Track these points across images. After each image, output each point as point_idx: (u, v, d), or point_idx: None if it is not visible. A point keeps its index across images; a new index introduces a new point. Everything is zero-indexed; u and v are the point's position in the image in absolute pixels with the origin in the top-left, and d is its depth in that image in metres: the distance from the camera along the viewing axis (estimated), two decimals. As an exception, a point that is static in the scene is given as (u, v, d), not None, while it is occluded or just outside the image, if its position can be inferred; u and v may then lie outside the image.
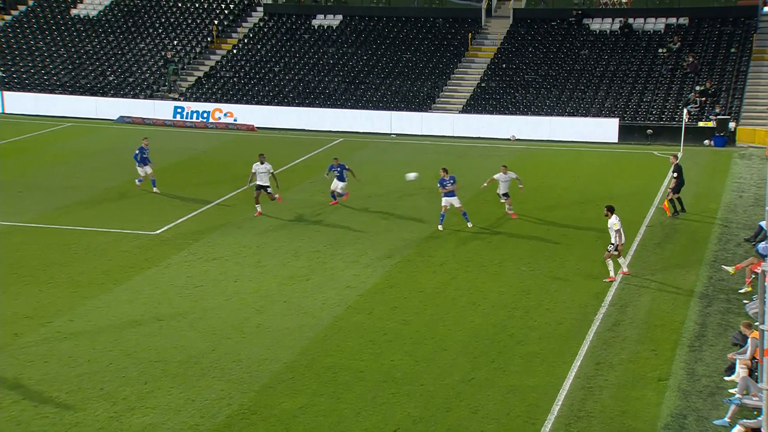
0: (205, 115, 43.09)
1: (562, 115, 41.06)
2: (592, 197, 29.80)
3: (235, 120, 42.43)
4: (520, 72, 44.22)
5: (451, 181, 25.91)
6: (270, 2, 50.98)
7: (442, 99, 43.74)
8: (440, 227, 26.06)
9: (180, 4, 50.91)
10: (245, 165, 34.56)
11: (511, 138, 39.91)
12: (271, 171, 27.28)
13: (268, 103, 43.64)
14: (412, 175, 27.82)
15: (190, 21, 49.90)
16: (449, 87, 44.54)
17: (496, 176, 27.19)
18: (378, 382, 16.76)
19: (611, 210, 22.04)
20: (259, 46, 48.04)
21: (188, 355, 17.70)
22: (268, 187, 26.98)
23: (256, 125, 42.52)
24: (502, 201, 27.15)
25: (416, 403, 16.00)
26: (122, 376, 16.69)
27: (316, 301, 20.77)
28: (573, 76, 43.54)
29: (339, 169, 28.53)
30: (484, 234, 26.03)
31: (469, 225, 26.33)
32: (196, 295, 21.05)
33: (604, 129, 39.87)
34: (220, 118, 42.33)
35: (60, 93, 44.01)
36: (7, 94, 43.36)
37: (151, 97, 44.40)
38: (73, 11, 50.49)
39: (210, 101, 43.91)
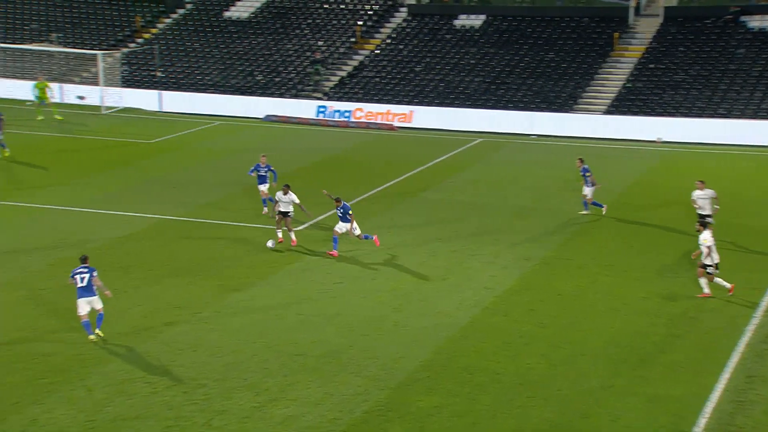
0: (347, 114, 43.89)
1: (714, 117, 39.41)
2: (747, 202, 28.48)
3: (386, 120, 42.99)
4: (669, 72, 42.75)
5: (585, 172, 27.15)
6: (414, 2, 51.39)
7: (584, 99, 42.85)
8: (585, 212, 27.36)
9: (326, 6, 52.05)
10: (385, 164, 35.12)
11: (657, 140, 38.64)
12: (296, 202, 24.29)
13: (408, 103, 44.00)
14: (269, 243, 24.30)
15: (335, 22, 50.93)
16: (593, 87, 43.58)
17: (693, 194, 23.99)
18: (514, 384, 16.65)
19: (704, 226, 20.88)
20: (401, 47, 48.50)
21: (327, 350, 18.11)
22: (290, 213, 24.30)
23: (396, 124, 42.98)
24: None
25: (553, 407, 15.79)
26: (264, 368, 17.26)
27: (452, 301, 20.81)
28: (727, 76, 41.71)
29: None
30: (626, 238, 25.35)
31: (603, 211, 27.19)
32: (335, 291, 21.49)
33: (760, 131, 38.01)
34: (375, 118, 42.88)
35: (211, 92, 45.85)
36: (165, 94, 45.54)
37: (296, 96, 45.62)
38: (227, 13, 52.48)
39: (352, 101, 44.68)
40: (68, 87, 46.11)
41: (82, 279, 17.96)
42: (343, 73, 47.49)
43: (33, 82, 41.87)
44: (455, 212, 28.17)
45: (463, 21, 49.36)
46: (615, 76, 43.98)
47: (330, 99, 45.15)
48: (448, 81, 45.40)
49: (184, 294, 21.02)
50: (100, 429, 14.93)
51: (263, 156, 26.58)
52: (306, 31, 50.43)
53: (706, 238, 20.33)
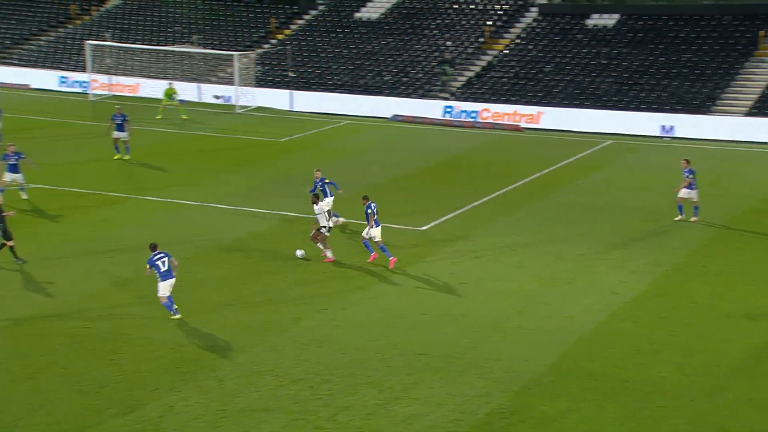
0: (473, 114, 43.67)
1: None
2: None
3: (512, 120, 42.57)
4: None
5: (689, 174, 26.10)
6: (545, 2, 50.62)
7: (723, 101, 41.09)
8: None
9: (456, 6, 51.93)
10: (511, 166, 34.72)
11: None
12: (324, 210, 23.29)
13: (536, 104, 43.37)
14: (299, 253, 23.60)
15: (464, 22, 50.74)
16: (733, 88, 41.73)
17: None
18: (643, 393, 16.11)
19: None
20: (530, 47, 47.86)
21: (450, 350, 18.03)
22: (324, 227, 23.18)
23: (523, 125, 42.45)
24: None
25: (685, 418, 15.18)
26: (388, 366, 17.34)
27: (578, 305, 20.35)
28: None
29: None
30: (767, 246, 24.12)
31: (692, 219, 26.22)
32: (459, 291, 21.39)
33: None
34: (502, 119, 42.55)
35: (340, 92, 46.52)
36: (296, 93, 46.54)
37: (423, 96, 45.72)
38: (357, 14, 53.14)
39: (479, 101, 44.41)
40: (206, 87, 47.76)
41: (163, 263, 19.28)
42: (471, 74, 47.26)
43: (166, 86, 43.58)
44: (583, 215, 27.55)
45: (596, 20, 48.24)
46: (759, 77, 41.98)
47: (457, 99, 45.02)
48: (578, 81, 44.46)
49: (311, 289, 21.37)
50: (230, 418, 15.36)
51: (317, 171, 26.01)
52: (435, 32, 50.46)
53: None
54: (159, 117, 42.15)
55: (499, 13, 50.70)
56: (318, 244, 23.35)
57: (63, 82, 50.00)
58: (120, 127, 33.57)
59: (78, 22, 56.42)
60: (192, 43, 50.88)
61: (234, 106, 45.91)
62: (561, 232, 25.88)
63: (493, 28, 49.65)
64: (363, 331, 18.98)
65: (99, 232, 25.22)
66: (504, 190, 30.83)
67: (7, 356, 17.37)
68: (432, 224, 26.66)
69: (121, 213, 27.32)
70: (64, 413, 15.34)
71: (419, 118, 43.97)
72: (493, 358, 17.63)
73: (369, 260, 23.05)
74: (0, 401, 15.64)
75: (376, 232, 22.83)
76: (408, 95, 45.87)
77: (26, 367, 16.90)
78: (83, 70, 49.30)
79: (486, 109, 43.58)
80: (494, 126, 42.86)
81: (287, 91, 46.68)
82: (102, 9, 57.58)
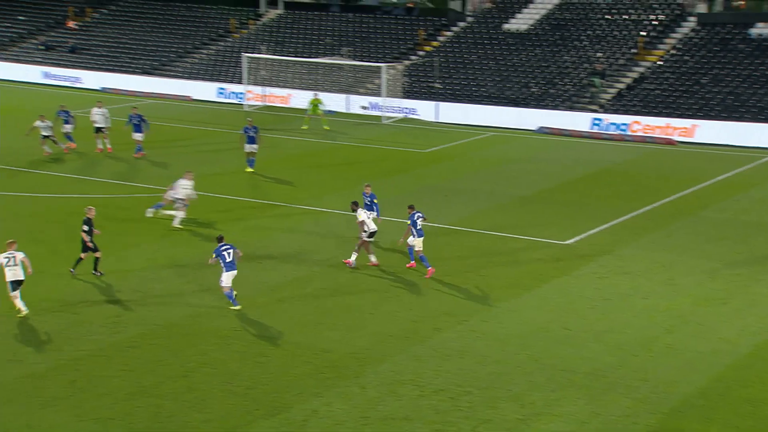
0: (623, 127, 42.46)
1: None
2: None
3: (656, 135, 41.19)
4: None
5: None
6: (704, 12, 48.63)
7: None
8: None
9: (608, 17, 50.71)
10: (663, 180, 33.53)
11: None
12: (364, 217, 23.19)
13: (690, 117, 41.72)
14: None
15: (616, 33, 49.48)
16: None
17: None
18: (803, 425, 15.15)
19: None
20: (687, 58, 46.11)
21: (594, 367, 17.56)
22: (364, 233, 23.09)
23: (676, 139, 40.95)
24: None
25: None
26: (529, 381, 17.07)
27: (733, 327, 19.38)
28: None
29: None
30: None
31: None
32: (604, 308, 20.82)
33: None
34: (654, 132, 41.32)
35: (486, 104, 46.33)
36: (442, 105, 46.71)
37: (570, 108, 44.87)
38: (506, 26, 52.81)
39: (629, 113, 43.15)
40: (353, 98, 48.68)
41: (229, 254, 20.37)
42: (622, 85, 46.00)
43: (311, 96, 44.58)
44: (740, 233, 26.24)
45: (761, 29, 45.93)
46: None
47: (606, 111, 43.91)
48: (738, 94, 42.47)
49: (452, 301, 21.34)
50: (372, 426, 15.51)
51: (367, 186, 25.42)
52: (585, 43, 49.46)
53: None
54: (305, 127, 43.24)
55: (654, 23, 49.10)
56: (356, 250, 23.32)
57: (221, 93, 52.21)
58: (251, 140, 33.49)
59: (236, 35, 58.83)
60: (342, 55, 52.01)
61: (380, 116, 46.55)
62: (715, 249, 24.74)
63: (646, 39, 48.13)
64: (504, 344, 18.77)
65: (250, 238, 26.11)
66: (654, 204, 29.83)
67: (163, 354, 18.21)
68: (577, 238, 26.09)
69: (271, 220, 28.17)
70: (215, 412, 15.93)
71: (566, 131, 43.17)
72: (641, 377, 17.03)
73: (408, 266, 23.37)
74: (157, 397, 16.41)
75: (418, 243, 22.98)
76: (555, 107, 45.14)
77: (180, 366, 17.67)
78: (240, 81, 51.31)
79: (637, 122, 42.29)
80: (645, 139, 41.52)
81: (433, 103, 46.91)
82: (259, 23, 59.81)
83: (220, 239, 20.95)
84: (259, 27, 59.39)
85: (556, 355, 18.16)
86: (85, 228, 22.30)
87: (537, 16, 52.63)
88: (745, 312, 20.20)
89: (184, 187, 26.89)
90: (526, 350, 18.45)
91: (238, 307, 20.50)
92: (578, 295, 21.67)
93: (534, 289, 22.04)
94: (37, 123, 35.31)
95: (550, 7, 52.99)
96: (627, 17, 50.23)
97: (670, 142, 40.88)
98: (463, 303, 21.17)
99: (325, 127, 43.18)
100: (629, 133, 42.21)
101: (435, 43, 53.53)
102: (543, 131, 43.59)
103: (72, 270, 22.50)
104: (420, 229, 23.28)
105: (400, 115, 47.09)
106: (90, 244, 22.38)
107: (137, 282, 22.12)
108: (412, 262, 23.49)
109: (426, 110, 46.87)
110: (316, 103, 43.70)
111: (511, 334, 19.33)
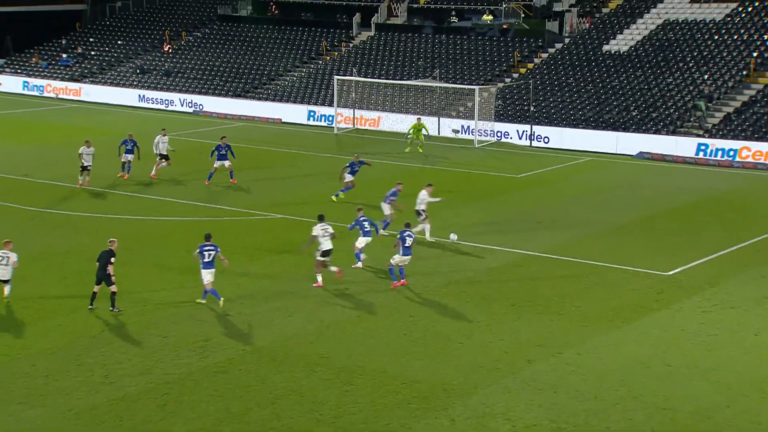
0: (731, 153, 41.25)
1: None
2: None
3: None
4: None
5: None
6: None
7: None
8: None
9: (717, 37, 49.44)
10: (774, 209, 32.41)
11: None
12: (327, 233, 23.74)
13: (806, 142, 40.28)
14: (453, 237, 27.27)
15: (725, 54, 48.18)
16: None
17: None
18: None
19: None
20: (800, 80, 44.60)
21: (699, 407, 16.99)
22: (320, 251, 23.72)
23: (788, 166, 39.59)
24: None
25: None
26: (629, 419, 16.61)
27: None
28: None
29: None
30: None
31: None
32: (709, 344, 20.16)
33: None
34: (765, 159, 40.08)
35: (583, 127, 45.70)
36: (537, 128, 46.27)
37: (673, 133, 43.86)
38: (605, 47, 52.11)
39: (738, 139, 41.90)
40: (445, 121, 48.73)
41: (209, 255, 22.07)
42: (730, 109, 44.74)
43: (414, 120, 44.71)
44: None
45: None
46: None
47: (712, 137, 42.76)
48: None
49: (545, 331, 21.01)
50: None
51: (360, 210, 25.87)
52: (690, 64, 48.33)
53: None
54: (407, 150, 43.34)
55: (767, 44, 47.62)
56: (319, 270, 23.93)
57: (311, 116, 53.04)
58: (352, 172, 33.48)
59: (327, 58, 59.78)
60: (434, 77, 52.21)
61: (473, 140, 46.43)
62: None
63: (758, 61, 46.72)
64: (601, 379, 18.34)
65: (335, 262, 26.28)
66: (763, 236, 28.78)
67: (251, 380, 18.44)
68: (679, 269, 25.39)
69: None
70: (299, 439, 15.98)
71: (669, 156, 42.19)
72: (751, 419, 16.41)
73: (392, 287, 23.57)
74: (245, 423, 16.61)
75: (404, 260, 23.59)
76: (656, 131, 44.21)
77: (268, 393, 17.84)
78: (330, 104, 52.02)
79: (746, 148, 41.05)
80: (756, 166, 40.21)
81: (527, 126, 46.56)
82: (350, 45, 60.65)
83: (207, 237, 22.56)
84: (350, 49, 60.21)
85: (657, 393, 17.64)
86: (113, 260, 21.70)
87: (639, 37, 51.76)
88: None
89: (422, 199, 28.08)
90: (625, 386, 17.98)
91: (220, 301, 22.09)
92: (681, 329, 21.04)
93: (633, 322, 21.50)
94: (82, 149, 35.05)
95: (653, 27, 52.08)
96: (737, 37, 48.87)
97: (782, 170, 39.51)
98: (556, 334, 20.81)
99: (420, 150, 43.29)
100: (738, 159, 40.95)
101: (530, 65, 53.23)
102: (644, 157, 42.70)
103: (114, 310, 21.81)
104: (408, 247, 23.43)
105: (493, 139, 46.89)
106: (114, 278, 21.76)
107: (227, 305, 22.48)
108: (395, 282, 23.57)
109: (519, 134, 46.54)
110: (418, 127, 43.68)
111: (609, 368, 18.88)
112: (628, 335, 20.75)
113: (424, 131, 43.65)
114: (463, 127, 47.96)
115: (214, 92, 58.12)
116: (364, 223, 25.11)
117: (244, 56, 62.03)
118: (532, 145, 45.76)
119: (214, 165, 36.02)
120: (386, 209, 28.45)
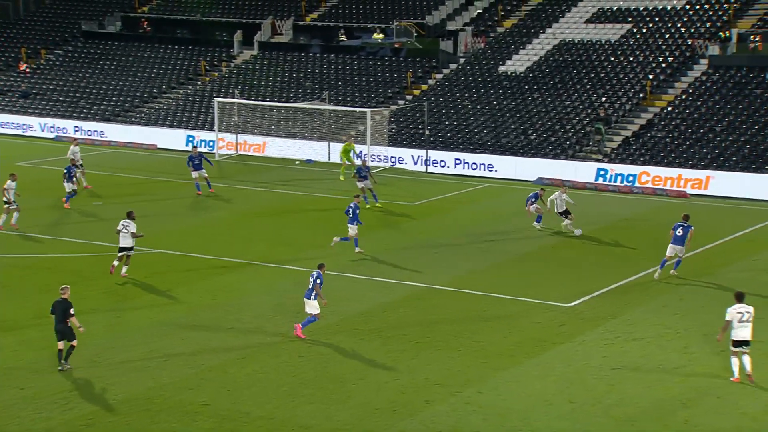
0: (630, 178, 42.85)
1: None
2: None
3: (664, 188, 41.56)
4: None
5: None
6: (716, 54, 49.42)
7: None
8: None
9: (613, 59, 51.47)
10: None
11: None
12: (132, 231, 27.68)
13: (704, 168, 42.18)
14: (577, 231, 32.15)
15: (621, 76, 50.19)
16: None
17: None
18: None
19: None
20: (698, 103, 46.78)
21: (603, 445, 17.42)
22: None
23: (688, 191, 41.34)
24: None
25: None
26: (531, 459, 16.90)
27: (758, 402, 19.34)
28: None
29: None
30: None
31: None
32: (612, 378, 20.76)
33: None
34: (664, 184, 41.76)
35: (480, 152, 46.68)
36: (432, 153, 46.98)
37: (572, 157, 45.29)
38: (501, 68, 53.50)
39: (637, 164, 43.60)
40: (335, 146, 48.93)
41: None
42: (628, 133, 46.56)
43: (342, 144, 44.73)
44: (760, 295, 26.31)
45: (777, 74, 46.75)
46: None
47: (611, 161, 44.36)
48: (755, 143, 43.06)
49: (444, 369, 21.22)
50: None
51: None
52: (588, 86, 50.13)
53: None
54: (342, 179, 43.21)
55: (662, 66, 49.90)
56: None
57: (190, 141, 52.40)
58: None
59: (206, 78, 59.32)
60: (323, 100, 52.48)
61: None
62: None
63: (654, 83, 48.87)
64: (503, 418, 18.64)
65: (221, 298, 25.96)
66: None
67: None
68: (581, 300, 26.11)
69: (243, 279, 28.05)
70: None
71: (568, 182, 43.48)
72: (654, 456, 16.90)
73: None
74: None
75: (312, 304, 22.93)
76: (555, 156, 45.57)
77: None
78: (211, 128, 51.54)
79: (645, 173, 42.71)
80: (655, 191, 41.88)
81: (422, 151, 47.24)
82: (231, 65, 60.37)
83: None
84: (231, 69, 59.94)
85: (560, 431, 17.98)
86: (72, 311, 20.79)
87: (535, 58, 53.42)
88: (768, 383, 20.18)
89: (562, 200, 33.35)
90: (528, 426, 18.31)
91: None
92: (584, 363, 21.60)
93: (535, 357, 21.95)
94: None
95: (549, 47, 53.82)
96: (633, 59, 51.00)
97: (682, 195, 41.23)
98: (456, 372, 21.05)
99: (341, 178, 43.19)
100: (637, 185, 42.57)
101: (424, 87, 54.14)
102: (543, 182, 43.87)
103: (64, 366, 20.76)
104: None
105: (387, 165, 47.35)
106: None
107: (95, 350, 21.85)
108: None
109: (414, 159, 47.16)
110: (347, 149, 43.67)
111: (511, 407, 19.20)
112: (530, 371, 21.17)
113: (353, 153, 43.57)
114: (354, 152, 48.23)
115: (80, 116, 56.83)
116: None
117: (113, 77, 60.91)
118: (428, 170, 46.42)
119: (193, 175, 38.42)
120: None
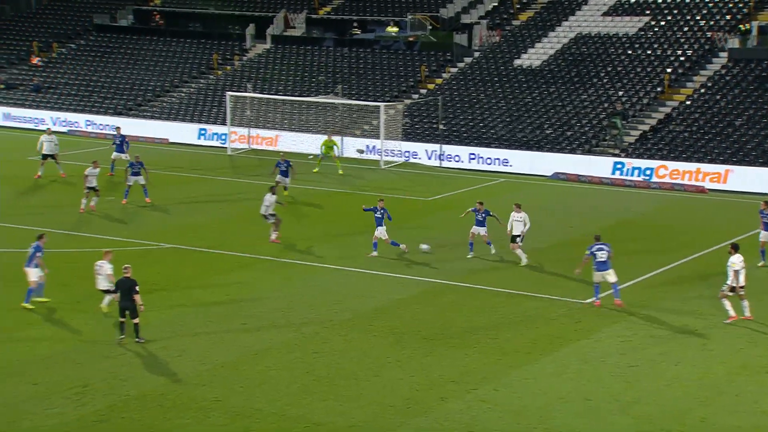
0: (648, 172, 42.68)
1: None
2: None
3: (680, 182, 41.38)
4: None
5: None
6: (736, 47, 49.12)
7: None
8: None
9: (630, 52, 51.23)
10: (693, 232, 33.58)
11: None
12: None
13: (723, 162, 41.97)
14: (425, 247, 29.84)
15: (639, 70, 49.97)
16: None
17: None
18: None
19: (735, 248, 23.74)
20: (718, 97, 46.53)
21: (620, 443, 17.38)
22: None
23: (707, 186, 41.16)
24: None
25: None
26: (547, 458, 16.87)
27: (776, 399, 19.20)
28: None
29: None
30: None
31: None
32: (629, 375, 20.68)
33: None
34: (682, 178, 41.57)
35: (495, 147, 46.57)
36: (446, 147, 46.90)
37: (589, 152, 45.14)
38: (517, 61, 53.35)
39: (655, 158, 43.42)
40: (349, 140, 48.95)
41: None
42: (646, 127, 46.35)
43: (323, 138, 45.03)
44: (779, 292, 26.19)
45: (796, 65, 46.46)
46: None
47: (629, 156, 44.20)
48: (774, 136, 42.78)
49: (459, 367, 21.19)
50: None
51: (380, 201, 30.40)
52: (605, 80, 49.93)
53: (734, 261, 23.64)
54: (316, 171, 43.38)
55: (681, 59, 49.64)
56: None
57: (202, 135, 52.52)
58: (284, 173, 38.03)
59: (219, 72, 59.41)
60: (336, 94, 52.46)
61: (379, 160, 46.74)
62: (757, 312, 24.60)
63: (673, 77, 48.62)
64: (519, 416, 18.60)
65: (234, 294, 26.00)
66: (684, 260, 29.82)
67: (134, 430, 17.95)
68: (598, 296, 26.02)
69: (256, 275, 28.08)
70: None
71: (584, 177, 43.36)
72: (671, 455, 16.85)
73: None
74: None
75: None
76: (572, 151, 45.42)
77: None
78: (223, 122, 51.64)
79: (663, 167, 42.54)
80: (673, 186, 41.70)
81: (437, 146, 47.19)
82: (244, 59, 60.43)
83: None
84: (244, 63, 60.02)
85: (577, 429, 17.98)
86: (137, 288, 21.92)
87: (551, 51, 53.23)
88: (788, 380, 20.10)
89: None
90: (544, 423, 18.27)
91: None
92: (600, 360, 21.54)
93: (551, 354, 21.89)
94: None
95: (565, 41, 53.64)
96: (651, 53, 50.76)
97: (700, 190, 41.05)
98: (471, 369, 21.01)
99: (340, 172, 43.33)
100: (655, 179, 42.40)
101: (439, 81, 54.05)
102: (559, 177, 43.78)
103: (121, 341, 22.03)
104: None
105: (401, 160, 47.32)
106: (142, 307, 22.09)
107: (107, 346, 21.91)
108: None
109: (428, 154, 47.11)
110: (329, 144, 44.05)
111: (527, 405, 19.15)
112: (546, 368, 21.12)
113: (336, 150, 43.88)
114: (368, 146, 48.25)
115: (92, 110, 57.02)
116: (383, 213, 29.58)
117: (126, 70, 61.09)
118: (443, 165, 46.37)
119: (128, 182, 36.54)
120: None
